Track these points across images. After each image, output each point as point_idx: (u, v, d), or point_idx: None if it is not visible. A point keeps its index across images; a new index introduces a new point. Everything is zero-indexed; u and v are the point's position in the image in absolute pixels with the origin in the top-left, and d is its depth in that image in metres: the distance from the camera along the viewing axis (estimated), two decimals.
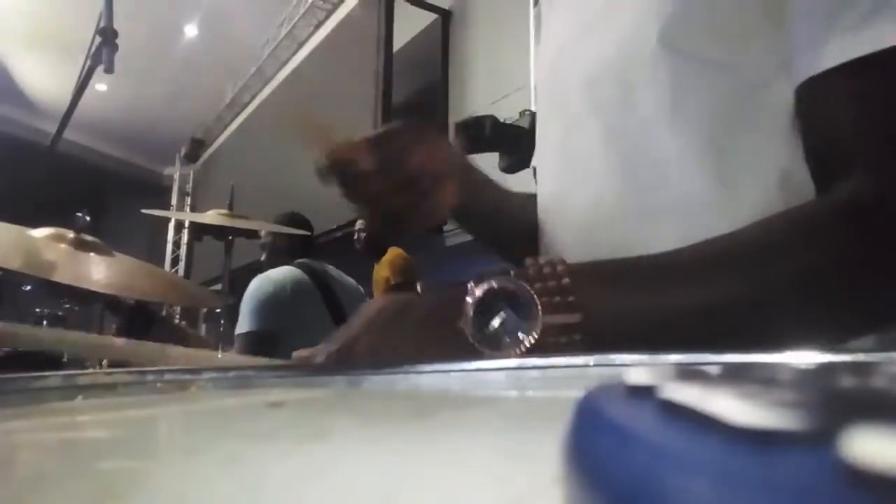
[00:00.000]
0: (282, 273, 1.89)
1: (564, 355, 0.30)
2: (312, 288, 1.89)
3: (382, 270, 2.70)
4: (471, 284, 0.34)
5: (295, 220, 2.07)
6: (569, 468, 0.10)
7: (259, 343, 1.76)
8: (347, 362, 0.36)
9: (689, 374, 0.10)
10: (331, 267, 2.04)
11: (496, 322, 0.34)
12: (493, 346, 0.33)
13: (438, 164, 0.53)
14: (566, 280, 0.34)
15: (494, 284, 0.34)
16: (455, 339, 0.33)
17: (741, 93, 0.45)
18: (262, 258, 2.09)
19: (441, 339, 0.35)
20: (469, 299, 0.34)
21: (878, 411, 0.07)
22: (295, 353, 0.40)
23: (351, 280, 2.06)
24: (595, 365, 0.28)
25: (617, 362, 0.28)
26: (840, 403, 0.08)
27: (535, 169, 0.65)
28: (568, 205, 0.54)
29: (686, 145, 0.46)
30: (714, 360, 0.25)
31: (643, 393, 0.10)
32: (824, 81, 0.38)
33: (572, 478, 0.09)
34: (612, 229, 0.49)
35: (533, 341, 0.32)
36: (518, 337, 0.33)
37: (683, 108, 0.46)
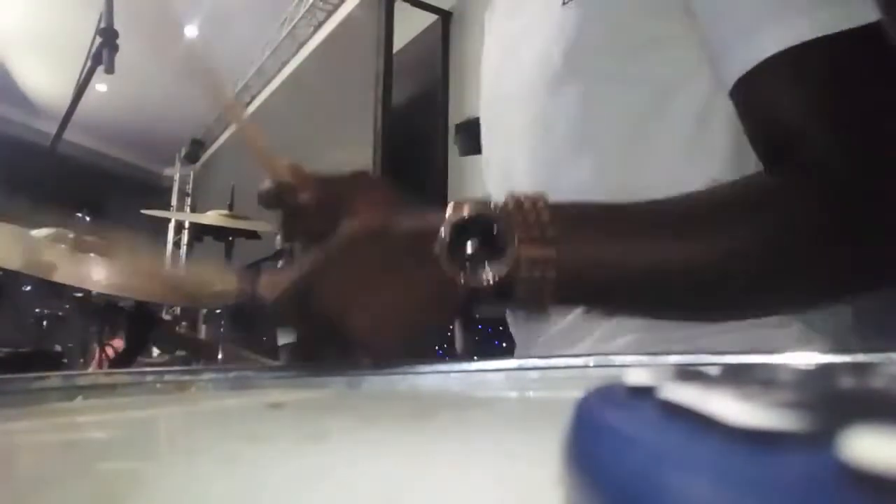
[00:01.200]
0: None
1: (564, 355, 0.30)
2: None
3: None
4: (448, 211, 0.33)
5: None
6: (569, 468, 0.10)
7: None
8: (311, 294, 0.34)
9: (688, 374, 0.10)
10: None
11: (469, 249, 0.33)
12: (466, 273, 0.32)
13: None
14: (546, 216, 0.33)
15: (471, 211, 0.33)
16: (430, 267, 0.33)
17: (649, 103, 0.45)
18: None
19: (416, 267, 0.34)
20: (444, 225, 0.33)
21: (876, 412, 0.07)
22: (264, 280, 0.39)
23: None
24: (595, 366, 0.28)
25: (617, 363, 0.28)
26: (839, 404, 0.08)
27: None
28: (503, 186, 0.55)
29: (602, 161, 0.47)
30: (713, 360, 0.25)
31: (643, 393, 0.10)
32: (765, 70, 0.38)
33: (572, 478, 0.09)
34: None
35: (506, 270, 0.32)
36: (491, 265, 0.32)
37: (593, 127, 0.47)
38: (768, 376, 0.10)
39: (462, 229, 0.33)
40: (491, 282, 0.32)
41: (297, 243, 0.51)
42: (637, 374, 0.11)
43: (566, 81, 0.48)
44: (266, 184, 0.49)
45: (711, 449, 0.08)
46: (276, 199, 0.48)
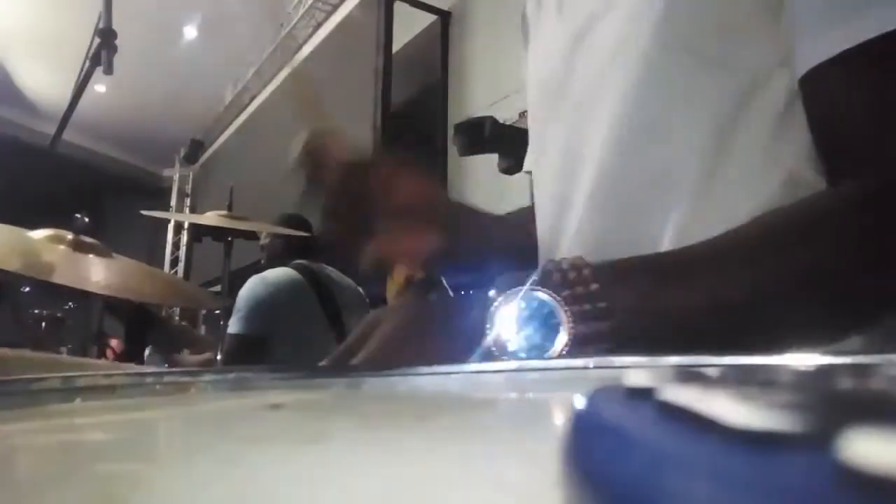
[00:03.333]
0: (277, 274, 1.89)
1: (564, 357, 0.30)
2: (308, 290, 1.89)
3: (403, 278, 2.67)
4: (493, 295, 0.33)
5: (294, 220, 2.07)
6: (568, 470, 0.10)
7: (246, 347, 1.75)
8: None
9: (687, 376, 0.10)
10: (330, 269, 2.03)
11: (522, 336, 0.32)
12: (521, 359, 0.32)
13: (427, 205, 0.52)
14: (594, 286, 0.32)
15: (519, 296, 0.32)
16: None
17: (742, 90, 0.44)
18: (263, 261, 2.09)
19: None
20: (493, 312, 0.32)
21: (875, 413, 0.08)
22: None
23: (350, 282, 2.06)
24: (594, 367, 0.28)
25: (616, 364, 0.28)
26: (838, 405, 0.08)
27: (531, 174, 0.64)
28: (571, 208, 0.53)
29: (689, 145, 0.46)
30: (713, 362, 0.25)
31: (642, 395, 0.10)
32: (824, 72, 0.38)
33: (572, 479, 0.09)
34: (617, 230, 0.49)
35: (564, 353, 0.31)
36: (547, 349, 0.32)
37: (684, 107, 0.46)
38: (767, 377, 0.10)
39: (507, 314, 0.33)
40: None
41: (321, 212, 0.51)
42: (636, 376, 0.11)
43: (654, 59, 0.46)
44: (299, 147, 0.49)
45: (711, 450, 0.08)
46: (309, 162, 0.48)
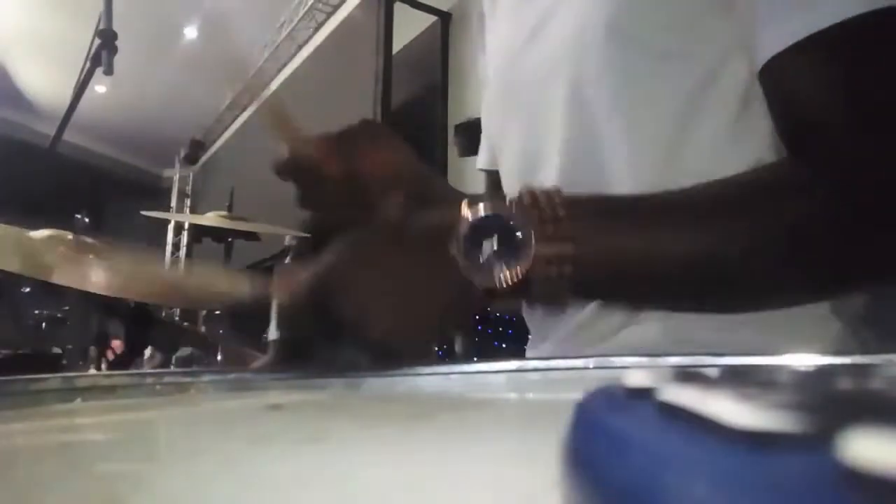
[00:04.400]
0: None
1: (564, 357, 0.30)
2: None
3: None
4: (463, 208, 0.33)
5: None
6: (568, 470, 0.10)
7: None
8: (327, 293, 0.33)
9: (687, 376, 0.10)
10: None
11: (487, 248, 0.33)
12: (483, 273, 0.32)
13: (390, 173, 0.52)
14: (563, 211, 0.33)
15: (488, 209, 0.33)
16: (447, 266, 0.32)
17: (698, 83, 0.44)
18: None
19: (433, 266, 0.34)
20: (460, 224, 0.32)
21: (875, 413, 0.08)
22: (276, 280, 0.38)
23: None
24: (594, 367, 0.28)
25: (616, 364, 0.28)
26: (837, 406, 0.08)
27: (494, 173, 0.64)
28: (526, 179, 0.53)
29: (644, 140, 0.46)
30: (713, 362, 0.25)
31: (642, 395, 0.10)
32: (784, 60, 0.38)
33: (571, 480, 0.09)
34: None
35: (523, 270, 0.31)
36: (508, 265, 0.32)
37: (638, 102, 0.46)
38: (766, 378, 0.10)
39: (478, 228, 0.33)
40: (508, 281, 0.32)
41: (313, 216, 0.50)
42: (636, 376, 0.11)
43: (608, 55, 0.45)
44: (283, 155, 0.48)
45: (710, 450, 0.08)
46: (292, 169, 0.47)
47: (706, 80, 0.44)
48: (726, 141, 0.44)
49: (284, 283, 0.36)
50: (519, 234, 0.32)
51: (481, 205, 0.33)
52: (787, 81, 0.39)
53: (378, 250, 0.35)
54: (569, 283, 0.32)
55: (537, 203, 0.33)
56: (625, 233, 0.36)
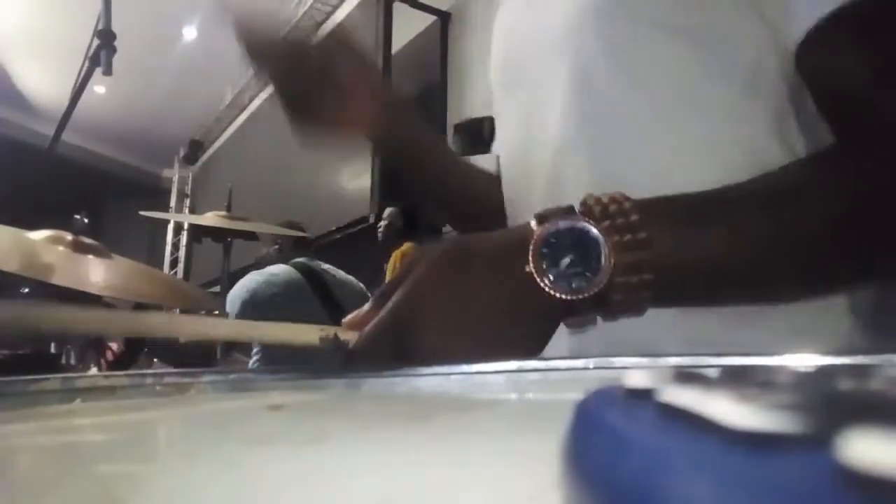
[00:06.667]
0: (272, 270, 1.89)
1: (564, 358, 0.30)
2: (305, 285, 1.88)
3: (397, 263, 2.69)
4: (532, 223, 0.32)
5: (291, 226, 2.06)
6: (568, 471, 0.10)
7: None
8: (404, 335, 0.32)
9: (687, 377, 0.11)
10: (328, 266, 2.03)
11: (564, 264, 0.31)
12: (562, 289, 0.31)
13: (368, 82, 0.54)
14: (634, 217, 0.32)
15: (560, 225, 0.32)
16: (521, 286, 0.31)
17: (699, 62, 0.44)
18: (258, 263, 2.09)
19: (507, 288, 0.32)
20: (532, 241, 0.31)
21: (874, 414, 0.08)
22: (345, 320, 0.36)
23: (350, 277, 2.05)
24: (594, 368, 0.28)
25: (616, 365, 0.28)
26: (837, 406, 0.08)
27: (497, 158, 0.64)
28: (532, 179, 0.53)
29: (640, 121, 0.45)
30: (712, 363, 0.25)
31: (642, 396, 0.10)
32: (828, 29, 0.37)
33: (571, 480, 0.09)
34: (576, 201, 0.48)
35: (603, 281, 0.31)
36: (587, 277, 0.31)
37: (636, 81, 0.45)
38: (766, 379, 0.10)
39: (552, 243, 0.32)
40: (588, 294, 0.31)
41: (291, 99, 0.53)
42: (636, 377, 0.11)
43: (612, 25, 0.45)
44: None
45: (710, 451, 0.08)
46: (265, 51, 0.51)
47: (707, 58, 0.44)
48: (724, 121, 0.44)
49: (354, 326, 0.35)
50: (595, 244, 0.31)
51: (550, 217, 0.32)
52: (827, 56, 0.38)
53: (448, 280, 0.34)
54: (649, 289, 0.32)
55: (607, 210, 0.32)
56: (699, 232, 0.35)
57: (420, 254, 0.35)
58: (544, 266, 0.32)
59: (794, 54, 0.40)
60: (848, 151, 0.38)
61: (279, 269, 1.90)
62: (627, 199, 0.33)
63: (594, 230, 0.31)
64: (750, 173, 0.37)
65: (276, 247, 2.04)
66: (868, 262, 0.37)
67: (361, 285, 2.07)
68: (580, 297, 0.31)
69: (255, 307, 1.78)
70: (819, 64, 0.39)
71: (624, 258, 0.31)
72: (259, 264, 2.03)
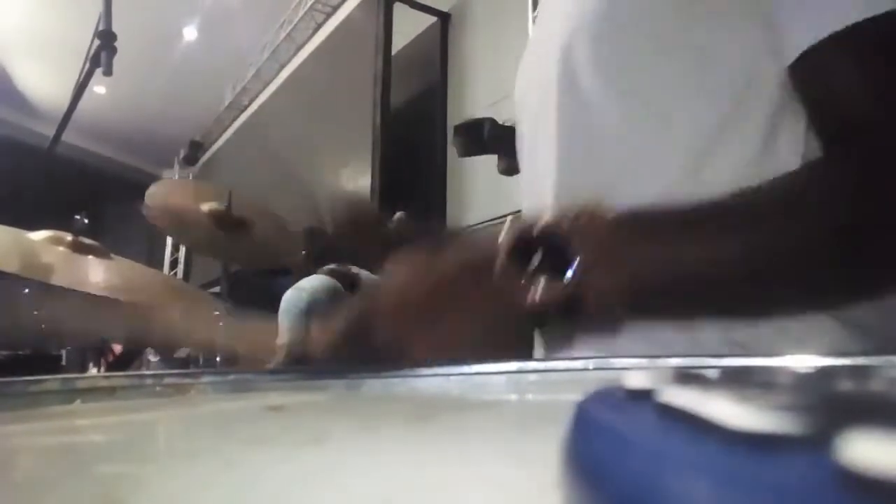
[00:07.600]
0: (312, 282, 1.88)
1: (564, 359, 0.30)
2: (343, 293, 1.88)
3: None
4: (504, 229, 0.33)
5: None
6: (568, 471, 0.10)
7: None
8: (368, 334, 0.33)
9: (687, 377, 0.11)
10: (354, 268, 2.02)
11: (532, 266, 0.32)
12: (531, 294, 0.31)
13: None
14: (611, 227, 0.32)
15: (534, 234, 0.32)
16: (491, 290, 0.32)
17: (689, 75, 0.44)
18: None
19: (476, 290, 0.33)
20: (502, 244, 0.32)
21: (874, 415, 0.08)
22: (315, 331, 0.38)
23: (375, 276, 2.04)
24: (594, 368, 0.28)
25: (616, 366, 0.28)
26: (837, 407, 0.08)
27: None
28: (538, 203, 0.54)
29: (635, 128, 0.46)
30: (712, 363, 0.25)
31: (642, 396, 0.10)
32: (822, 51, 0.37)
33: (571, 481, 0.09)
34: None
35: (573, 287, 0.31)
36: (556, 284, 0.31)
37: (631, 94, 0.46)
38: (766, 379, 0.11)
39: (522, 249, 0.32)
40: (557, 304, 0.31)
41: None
42: (636, 378, 0.11)
43: (602, 42, 0.46)
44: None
45: (710, 452, 0.08)
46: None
47: (698, 71, 0.44)
48: (713, 135, 0.44)
49: (322, 331, 0.36)
50: (567, 252, 0.31)
51: (524, 224, 0.33)
52: (823, 75, 0.38)
53: (418, 281, 0.35)
54: (623, 301, 0.32)
55: (583, 219, 0.33)
56: (675, 244, 0.35)
57: (398, 260, 0.36)
58: (515, 274, 0.32)
59: (787, 72, 0.40)
60: (836, 165, 0.38)
61: (317, 281, 1.89)
62: (605, 209, 0.33)
63: (566, 241, 0.32)
64: (739, 188, 0.37)
65: (303, 252, 2.04)
66: (855, 276, 0.37)
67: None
68: (549, 306, 0.31)
69: (301, 323, 1.77)
70: (815, 82, 0.40)
71: (597, 268, 0.31)
72: (286, 270, 2.02)
